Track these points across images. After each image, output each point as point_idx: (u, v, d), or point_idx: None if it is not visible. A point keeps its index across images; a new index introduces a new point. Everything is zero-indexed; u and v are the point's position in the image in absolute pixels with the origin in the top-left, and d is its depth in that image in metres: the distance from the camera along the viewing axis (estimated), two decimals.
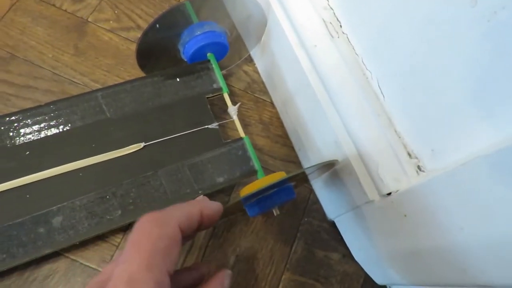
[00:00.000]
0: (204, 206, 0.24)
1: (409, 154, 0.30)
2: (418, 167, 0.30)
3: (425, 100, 0.28)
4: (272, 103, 0.49)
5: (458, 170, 0.24)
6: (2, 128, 0.34)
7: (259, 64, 0.50)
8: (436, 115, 0.27)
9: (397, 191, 0.30)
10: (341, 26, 0.34)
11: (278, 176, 0.34)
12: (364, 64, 0.33)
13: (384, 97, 0.32)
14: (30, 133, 0.34)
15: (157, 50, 0.40)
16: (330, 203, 0.42)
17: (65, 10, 0.48)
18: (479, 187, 0.23)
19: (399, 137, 0.31)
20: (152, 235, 0.20)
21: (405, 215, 0.29)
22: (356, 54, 0.33)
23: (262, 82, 0.50)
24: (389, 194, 0.31)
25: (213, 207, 0.25)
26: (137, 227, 0.20)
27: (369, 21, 0.31)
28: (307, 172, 0.37)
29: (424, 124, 0.29)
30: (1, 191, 0.32)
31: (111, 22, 0.49)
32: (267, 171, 0.45)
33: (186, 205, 0.23)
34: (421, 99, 0.28)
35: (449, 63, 0.25)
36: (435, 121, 0.27)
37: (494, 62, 0.22)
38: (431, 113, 0.28)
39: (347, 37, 0.34)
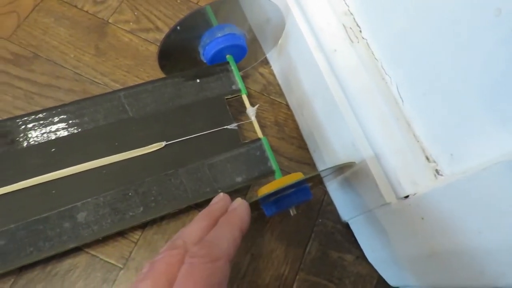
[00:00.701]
0: (242, 221, 0.25)
1: (428, 158, 0.31)
2: (436, 171, 0.30)
3: (444, 105, 0.29)
4: (287, 105, 0.49)
5: (478, 174, 0.24)
6: (30, 125, 0.35)
7: (275, 66, 0.51)
8: (455, 120, 0.28)
9: (415, 194, 0.30)
10: (361, 31, 0.35)
11: (296, 176, 0.35)
12: (383, 69, 0.34)
13: (403, 101, 0.32)
14: (56, 131, 0.35)
15: (177, 52, 0.41)
16: (345, 204, 0.43)
17: (87, 11, 0.50)
18: (499, 191, 0.23)
19: (418, 141, 0.32)
20: (206, 270, 0.21)
21: (423, 218, 0.30)
22: (376, 59, 0.34)
23: (278, 84, 0.50)
24: (407, 197, 0.31)
25: (247, 217, 0.26)
26: (191, 260, 0.21)
27: (390, 27, 0.32)
28: (324, 173, 0.37)
29: (443, 129, 0.29)
30: (28, 187, 0.33)
31: (131, 23, 0.50)
32: (282, 172, 0.45)
33: (230, 230, 0.24)
34: (440, 104, 0.29)
35: (469, 69, 0.26)
36: (454, 126, 0.28)
37: None
38: (451, 118, 0.28)
39: (367, 42, 0.35)
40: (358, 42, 0.35)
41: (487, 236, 0.25)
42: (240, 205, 0.28)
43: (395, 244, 0.35)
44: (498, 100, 0.24)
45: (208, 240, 0.22)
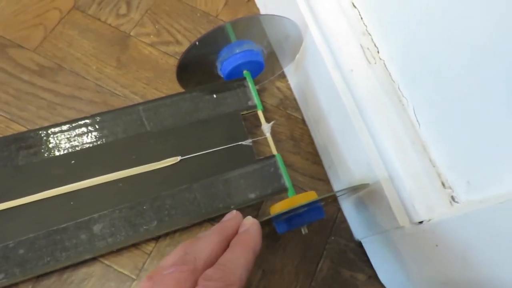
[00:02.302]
0: (256, 243, 0.25)
1: (443, 184, 0.30)
2: (452, 197, 0.30)
3: (463, 132, 0.28)
4: (303, 120, 0.49)
5: (497, 207, 0.24)
6: (52, 137, 0.36)
7: (292, 81, 0.51)
8: (474, 148, 0.27)
9: (430, 220, 0.30)
10: (378, 52, 0.35)
11: (310, 196, 0.35)
12: (400, 91, 0.33)
13: (419, 125, 0.32)
14: (76, 143, 0.36)
15: (196, 65, 0.42)
16: (358, 223, 0.42)
17: (110, 24, 0.51)
18: None
19: (434, 166, 0.31)
20: None
21: (437, 245, 0.29)
22: (393, 80, 0.34)
23: (295, 99, 0.50)
24: (421, 222, 0.31)
25: (259, 238, 0.26)
26: (206, 283, 0.21)
27: (409, 49, 0.32)
28: (337, 194, 0.37)
29: (460, 155, 0.29)
30: (48, 197, 0.34)
31: (151, 36, 0.51)
32: (296, 187, 0.45)
33: (244, 253, 0.24)
34: (459, 130, 0.28)
35: (493, 95, 0.25)
36: (472, 154, 0.27)
37: None
38: (469, 145, 0.28)
39: (384, 64, 0.34)
40: (375, 63, 0.34)
41: (506, 268, 0.24)
42: (252, 225, 0.28)
43: (408, 267, 0.35)
44: None
45: (223, 263, 0.23)
